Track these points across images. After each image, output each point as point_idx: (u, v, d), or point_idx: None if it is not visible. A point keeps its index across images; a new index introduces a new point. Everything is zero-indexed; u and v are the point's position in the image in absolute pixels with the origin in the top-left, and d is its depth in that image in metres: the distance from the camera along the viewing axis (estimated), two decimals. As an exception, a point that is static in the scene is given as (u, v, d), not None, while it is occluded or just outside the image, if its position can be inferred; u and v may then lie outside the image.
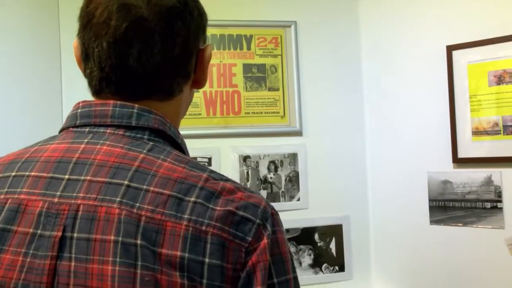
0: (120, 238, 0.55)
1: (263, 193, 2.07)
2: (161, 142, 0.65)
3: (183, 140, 0.70)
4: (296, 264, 2.08)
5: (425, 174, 1.99)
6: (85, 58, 0.66)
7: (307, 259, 2.10)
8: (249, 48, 2.09)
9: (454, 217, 1.93)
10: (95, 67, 0.65)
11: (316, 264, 2.10)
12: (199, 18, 0.69)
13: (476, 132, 1.87)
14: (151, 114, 0.65)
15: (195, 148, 2.02)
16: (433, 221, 1.97)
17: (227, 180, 0.62)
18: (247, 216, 0.58)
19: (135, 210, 0.56)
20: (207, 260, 0.55)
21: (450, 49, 1.92)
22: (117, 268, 0.54)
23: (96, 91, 0.67)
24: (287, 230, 2.07)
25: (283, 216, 2.07)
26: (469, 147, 1.89)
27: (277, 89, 2.10)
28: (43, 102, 1.86)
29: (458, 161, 1.91)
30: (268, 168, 2.09)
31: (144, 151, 0.62)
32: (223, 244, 0.56)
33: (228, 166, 2.05)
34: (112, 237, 0.55)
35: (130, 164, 0.60)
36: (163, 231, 0.55)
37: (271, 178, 2.09)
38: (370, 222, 2.17)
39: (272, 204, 2.03)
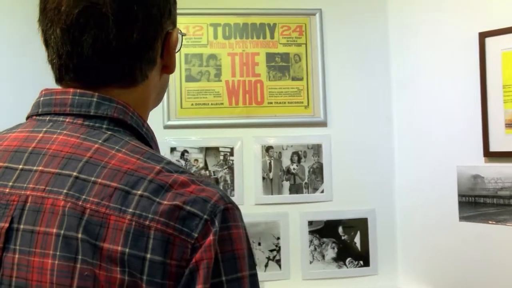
0: (62, 231, 0.54)
1: (286, 184, 2.04)
2: (121, 132, 0.63)
3: (149, 129, 0.68)
4: (319, 257, 2.04)
5: (454, 168, 1.89)
6: (46, 45, 0.65)
7: (330, 252, 2.05)
8: (272, 37, 2.05)
9: (485, 214, 1.83)
10: (54, 54, 0.63)
11: (339, 258, 2.06)
12: (162, 1, 0.66)
13: (510, 125, 1.76)
14: (112, 102, 0.63)
15: (216, 138, 2.02)
16: (462, 218, 1.88)
17: (183, 172, 0.59)
18: (194, 211, 0.55)
19: (80, 203, 0.55)
20: (148, 256, 0.53)
21: (483, 36, 1.80)
22: (56, 262, 0.53)
23: (58, 78, 0.66)
24: (310, 222, 2.04)
25: (306, 208, 2.04)
26: (502, 140, 1.78)
27: (301, 79, 2.06)
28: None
29: (490, 155, 1.80)
30: (291, 159, 2.05)
31: (100, 141, 0.60)
32: (168, 239, 0.53)
33: (250, 157, 2.04)
34: (54, 230, 0.54)
35: (82, 155, 0.58)
36: (107, 225, 0.54)
37: (294, 169, 2.05)
38: (396, 216, 2.09)
39: (295, 195, 1.98)
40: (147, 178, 0.56)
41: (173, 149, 2.00)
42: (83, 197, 0.55)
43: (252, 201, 2.03)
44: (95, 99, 0.63)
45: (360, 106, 2.09)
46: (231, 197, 0.60)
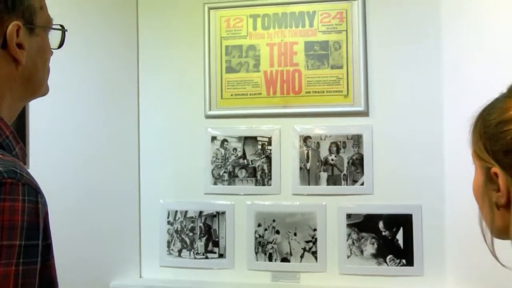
0: None
1: (323, 175, 1.99)
2: None
3: None
4: (357, 251, 1.96)
5: (505, 162, 1.68)
6: None
7: (369, 248, 1.96)
8: (311, 25, 2.01)
9: (538, 215, 1.59)
10: None
11: (379, 255, 1.95)
12: None
13: None
14: None
15: (255, 128, 2.05)
16: (513, 218, 1.66)
17: None
18: None
19: None
20: None
21: (537, 10, 1.57)
22: None
23: None
24: (349, 216, 1.97)
25: (344, 200, 1.99)
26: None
27: (341, 67, 1.99)
28: (119, 92, 2.10)
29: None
30: (330, 150, 2.00)
31: None
32: None
33: (288, 146, 2.03)
34: None
35: None
36: None
37: (332, 160, 2.00)
38: (445, 214, 1.91)
39: (332, 187, 1.96)
40: None
41: (213, 138, 2.08)
42: None
43: (289, 191, 2.02)
44: None
45: (406, 94, 1.95)
46: (27, 173, 0.64)
